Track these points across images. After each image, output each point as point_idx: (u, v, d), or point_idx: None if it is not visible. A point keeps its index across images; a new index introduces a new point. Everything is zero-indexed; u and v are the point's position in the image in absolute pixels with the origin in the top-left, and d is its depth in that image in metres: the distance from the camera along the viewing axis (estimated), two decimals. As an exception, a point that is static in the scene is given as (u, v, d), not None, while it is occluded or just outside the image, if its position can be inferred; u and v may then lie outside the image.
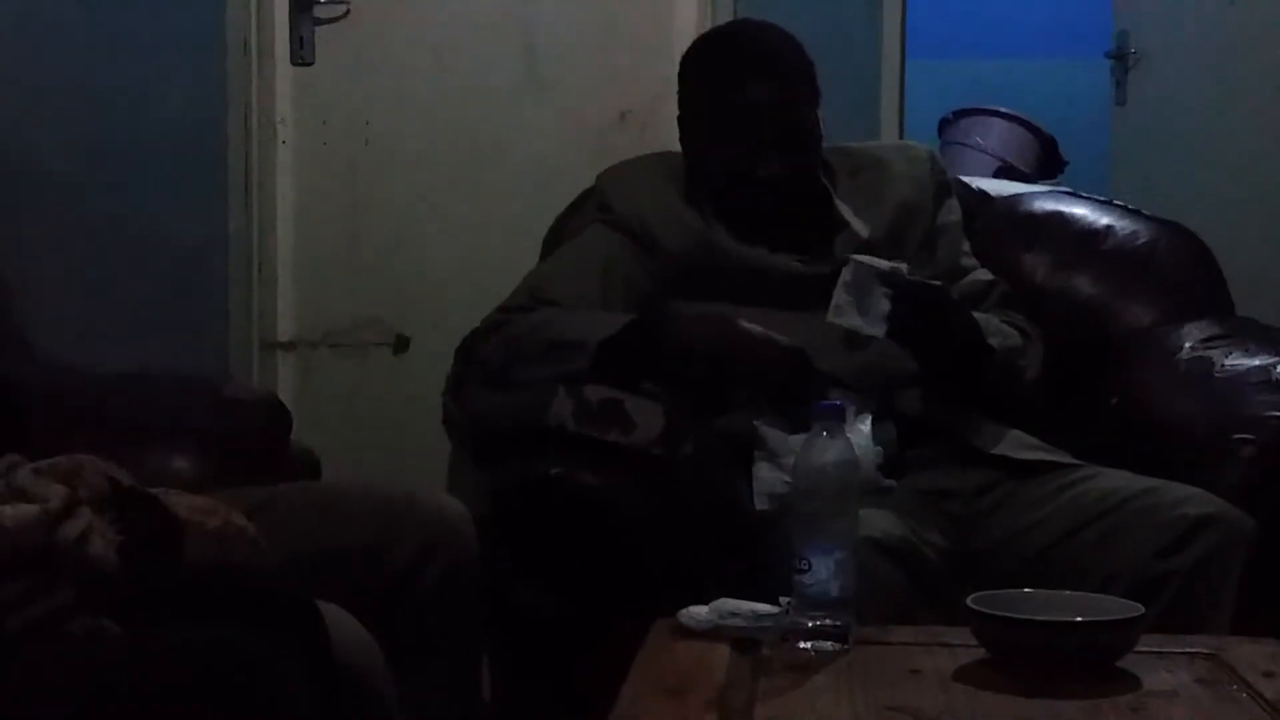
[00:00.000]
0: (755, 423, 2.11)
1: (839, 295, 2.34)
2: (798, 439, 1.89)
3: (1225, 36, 4.00)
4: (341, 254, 3.77)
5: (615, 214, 2.67)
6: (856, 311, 2.33)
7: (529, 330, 2.51)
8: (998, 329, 2.58)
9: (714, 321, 2.44)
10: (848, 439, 1.90)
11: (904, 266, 2.40)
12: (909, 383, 2.47)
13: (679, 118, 2.73)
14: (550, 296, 2.58)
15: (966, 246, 2.78)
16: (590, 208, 2.76)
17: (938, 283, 2.49)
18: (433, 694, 1.95)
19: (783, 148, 2.59)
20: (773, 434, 1.99)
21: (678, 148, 2.78)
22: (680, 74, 2.73)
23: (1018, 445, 2.51)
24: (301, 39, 3.72)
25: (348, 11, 3.72)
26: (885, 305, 2.34)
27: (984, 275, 2.74)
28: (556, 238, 2.85)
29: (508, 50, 3.74)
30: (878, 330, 2.34)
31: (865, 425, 2.15)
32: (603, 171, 2.78)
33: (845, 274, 2.35)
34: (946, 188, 2.81)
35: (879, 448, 2.05)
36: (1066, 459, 2.49)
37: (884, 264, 2.37)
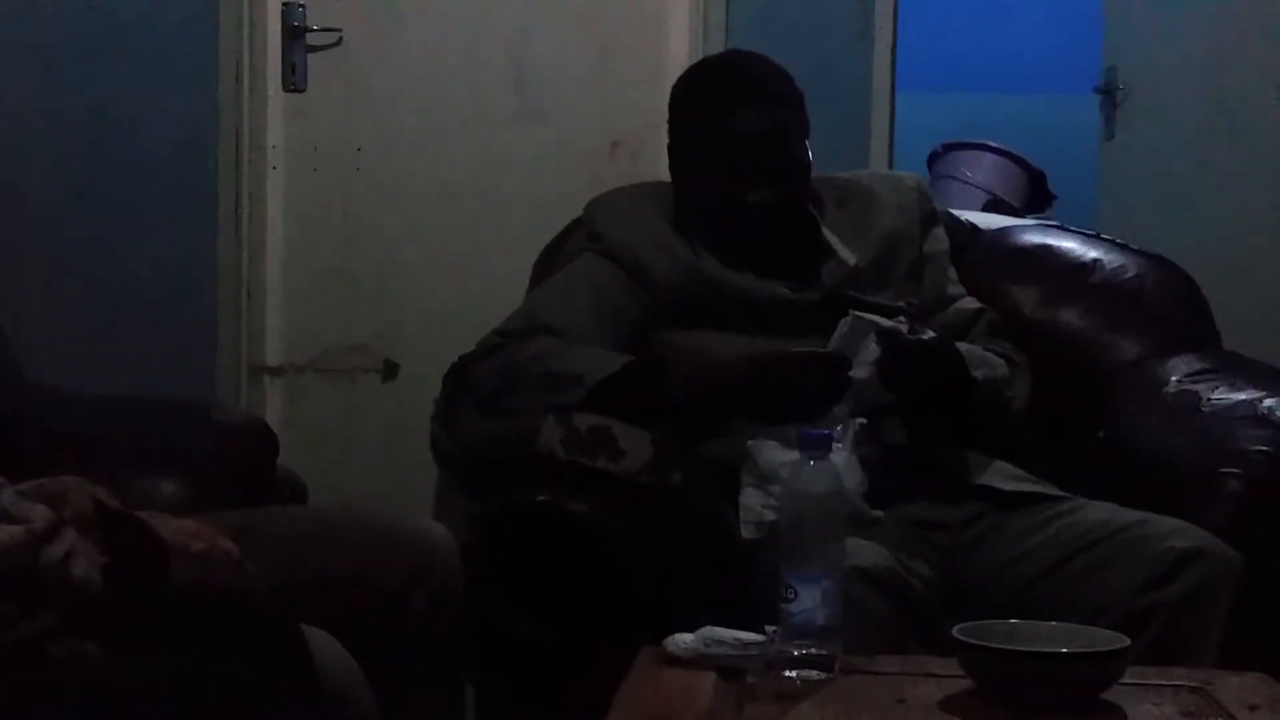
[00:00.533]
0: (748, 445, 2.10)
1: (834, 340, 2.36)
2: (793, 459, 1.88)
3: (1212, 72, 4.01)
4: (331, 280, 3.77)
5: (605, 243, 2.67)
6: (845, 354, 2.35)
7: (526, 359, 2.51)
8: (983, 360, 2.57)
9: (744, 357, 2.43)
10: (835, 468, 1.90)
11: (904, 326, 2.40)
12: (894, 413, 2.46)
13: (669, 146, 2.73)
14: (546, 323, 2.57)
15: (953, 275, 2.78)
16: (580, 236, 2.76)
17: (931, 335, 2.47)
18: (418, 716, 1.94)
19: (772, 176, 2.58)
20: (767, 453, 1.98)
21: (668, 177, 2.79)
22: (671, 103, 2.73)
23: (1004, 477, 2.50)
24: (294, 65, 3.73)
25: (340, 39, 3.73)
26: (875, 351, 2.35)
27: (971, 304, 2.74)
28: (546, 266, 2.86)
29: (499, 79, 3.74)
30: (864, 373, 2.35)
31: (851, 455, 2.14)
32: (592, 200, 2.78)
33: (843, 326, 2.37)
34: (933, 217, 2.81)
35: (864, 476, 2.04)
36: (1053, 491, 2.49)
37: (885, 322, 2.38)
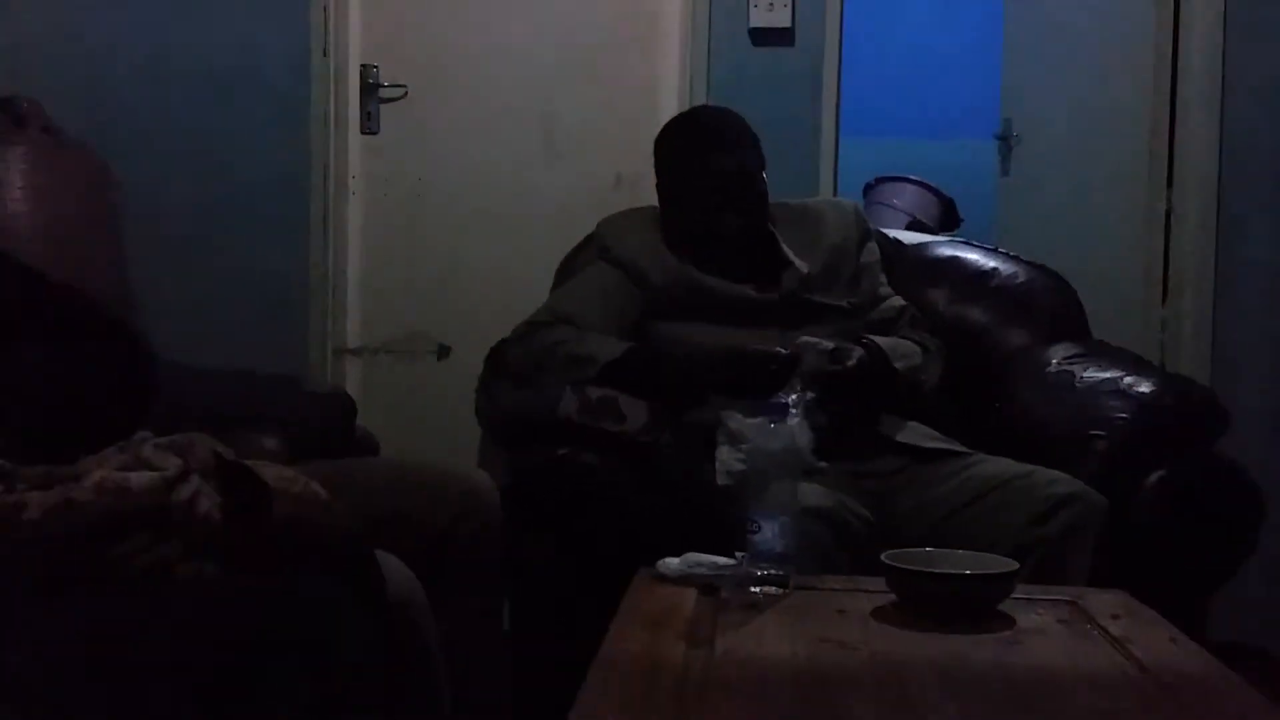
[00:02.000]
0: (721, 413, 2.11)
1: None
2: (757, 423, 1.88)
3: (1088, 122, 4.00)
4: (397, 281, 3.76)
5: (612, 254, 2.67)
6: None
7: (550, 344, 2.52)
8: (904, 352, 2.58)
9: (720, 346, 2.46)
10: (790, 430, 1.90)
11: (853, 352, 2.45)
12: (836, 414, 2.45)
13: (657, 183, 2.72)
14: (566, 315, 2.59)
15: (884, 279, 2.78)
16: (592, 249, 2.76)
17: (859, 354, 2.48)
18: (464, 627, 1.95)
19: (738, 206, 2.60)
20: (736, 420, 1.99)
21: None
22: (656, 148, 2.73)
23: (922, 436, 2.52)
24: (369, 114, 3.71)
25: (406, 93, 3.71)
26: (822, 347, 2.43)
27: (897, 302, 2.75)
28: (565, 271, 2.86)
29: (530, 126, 3.73)
30: (813, 360, 2.41)
31: (802, 420, 2.13)
32: (601, 221, 2.78)
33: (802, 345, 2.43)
34: (868, 234, 2.81)
35: (812, 436, 2.04)
36: (960, 448, 2.50)
37: (828, 344, 2.43)
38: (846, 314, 2.63)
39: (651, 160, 2.74)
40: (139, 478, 1.52)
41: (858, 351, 2.48)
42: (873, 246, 2.80)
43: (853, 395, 2.44)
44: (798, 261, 2.63)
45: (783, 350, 2.41)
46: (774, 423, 1.87)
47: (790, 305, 2.60)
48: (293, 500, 1.61)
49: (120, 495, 1.49)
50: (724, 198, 2.59)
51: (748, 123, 2.68)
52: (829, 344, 2.46)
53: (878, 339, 2.56)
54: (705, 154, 2.63)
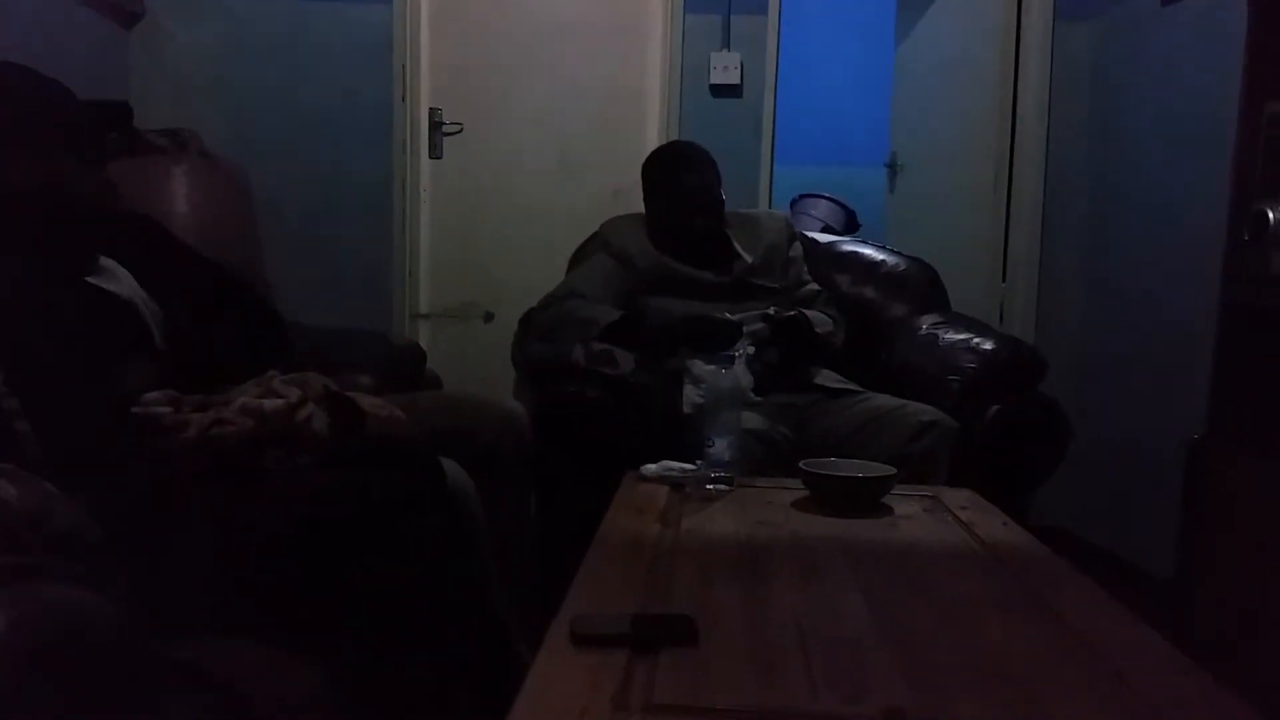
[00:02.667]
0: (687, 362, 2.12)
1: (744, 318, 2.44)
2: (712, 369, 1.89)
3: (950, 153, 4.00)
4: (455, 263, 3.73)
5: (611, 247, 2.66)
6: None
7: (566, 311, 2.52)
8: (822, 321, 2.58)
9: (687, 314, 2.46)
10: (736, 374, 1.91)
11: (779, 313, 2.48)
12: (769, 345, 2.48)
13: (644, 195, 2.72)
14: (578, 291, 2.58)
15: (806, 270, 2.78)
16: (596, 243, 2.75)
17: (792, 313, 2.50)
18: (504, 514, 1.95)
19: (704, 213, 2.61)
20: (698, 366, 1.99)
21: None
22: (643, 170, 2.72)
23: (830, 379, 2.52)
24: (435, 143, 3.68)
25: (461, 129, 3.68)
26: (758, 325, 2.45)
27: (814, 286, 2.74)
28: (575, 259, 2.85)
29: (550, 152, 3.71)
30: (755, 327, 2.44)
31: (744, 367, 2.13)
32: (604, 222, 2.77)
33: (747, 316, 2.44)
34: (794, 235, 2.81)
35: (751, 378, 2.04)
36: (856, 388, 2.50)
37: (770, 311, 2.47)
38: (778, 293, 2.62)
39: (640, 178, 2.73)
40: (270, 403, 1.52)
41: (794, 311, 2.51)
42: (798, 245, 2.80)
43: (784, 348, 2.45)
44: (744, 254, 2.63)
45: (730, 318, 2.41)
46: (724, 369, 1.88)
47: (738, 286, 2.59)
48: (381, 421, 1.61)
49: (257, 416, 1.49)
50: (692, 207, 2.60)
51: (709, 152, 2.68)
52: (769, 312, 2.47)
53: (805, 310, 2.56)
54: (678, 175, 2.63)
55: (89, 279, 1.63)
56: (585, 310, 2.50)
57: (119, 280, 1.68)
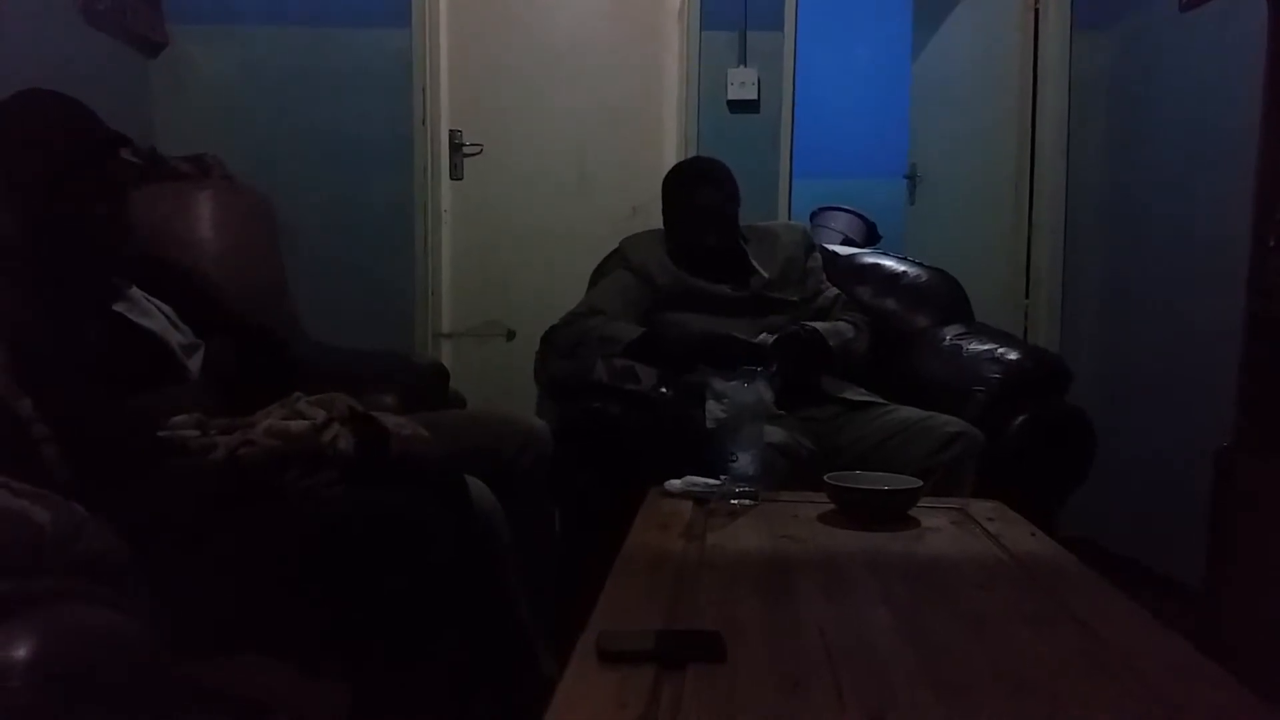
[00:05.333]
0: (709, 377, 2.11)
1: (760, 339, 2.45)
2: (734, 384, 1.88)
3: (970, 164, 3.99)
4: (477, 283, 3.75)
5: (631, 264, 2.67)
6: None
7: (588, 329, 2.53)
8: (837, 332, 2.57)
9: (706, 333, 2.45)
10: (758, 388, 1.90)
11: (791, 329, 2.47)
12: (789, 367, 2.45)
13: (663, 210, 2.72)
14: (599, 308, 2.59)
15: (824, 279, 2.77)
16: (616, 259, 2.76)
17: (807, 327, 2.50)
18: (528, 531, 1.96)
19: (717, 229, 2.61)
20: (720, 381, 1.98)
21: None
22: (663, 186, 2.72)
23: (853, 391, 2.51)
24: (455, 164, 3.71)
25: (481, 149, 3.70)
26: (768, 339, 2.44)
27: (832, 292, 2.75)
28: (595, 276, 2.85)
29: (569, 170, 3.72)
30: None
31: (766, 382, 2.13)
32: (623, 239, 2.78)
33: (765, 337, 2.45)
34: (811, 246, 2.80)
35: (773, 393, 2.04)
36: (880, 400, 2.49)
37: (769, 338, 2.45)
38: (795, 306, 2.63)
39: (658, 195, 2.73)
40: (296, 425, 1.53)
41: (796, 326, 2.50)
42: (817, 255, 2.80)
43: (800, 364, 2.44)
44: (762, 270, 2.63)
45: (744, 337, 2.42)
46: (746, 383, 1.88)
47: (756, 301, 2.59)
48: (405, 440, 1.62)
49: (283, 437, 1.50)
50: (704, 223, 2.60)
51: (727, 167, 2.68)
52: (791, 326, 2.48)
53: (818, 325, 2.55)
54: (693, 191, 2.63)
55: (115, 307, 1.65)
56: (606, 328, 2.51)
57: (143, 308, 1.70)
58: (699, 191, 2.61)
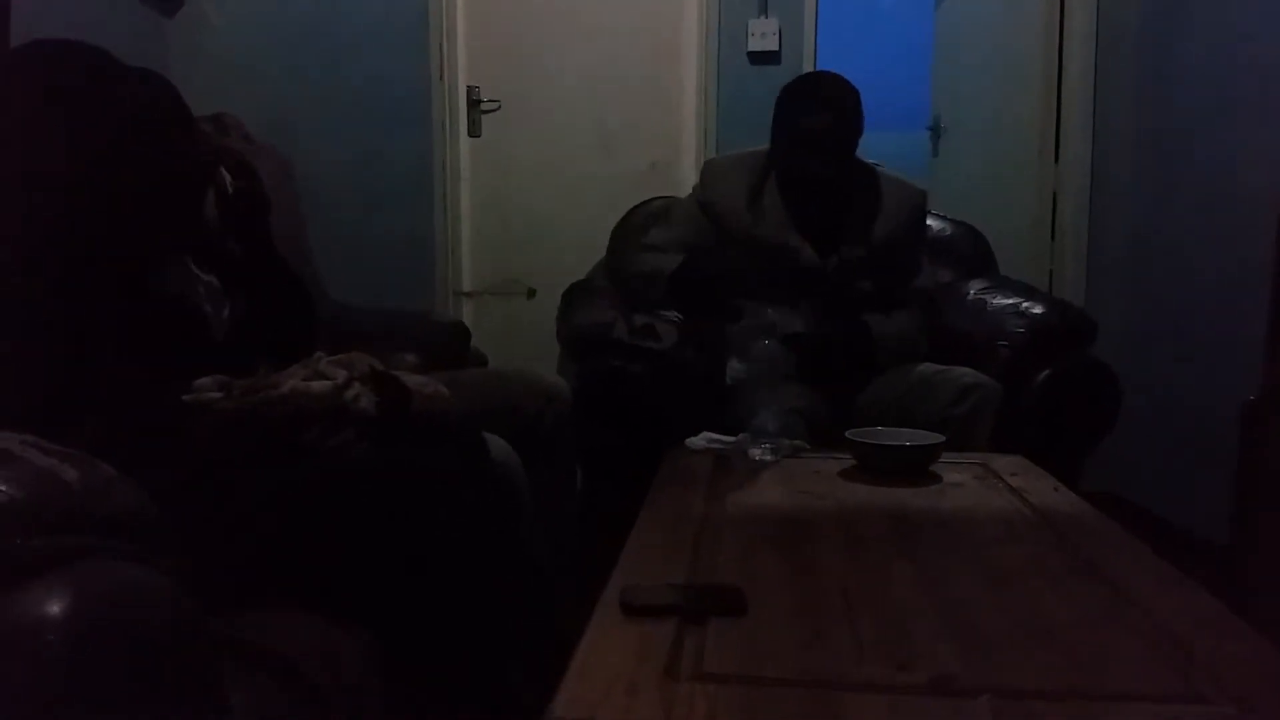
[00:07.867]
0: (729, 333, 2.08)
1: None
2: (755, 342, 1.88)
3: (995, 116, 3.95)
4: (497, 241, 3.75)
5: (704, 195, 2.48)
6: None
7: (630, 264, 2.50)
8: (900, 335, 2.40)
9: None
10: (779, 348, 1.91)
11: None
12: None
13: (771, 133, 2.43)
14: (656, 245, 2.49)
15: (923, 262, 2.53)
16: (643, 213, 2.70)
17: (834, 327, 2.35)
18: (549, 488, 1.96)
19: (820, 158, 2.34)
20: (740, 336, 1.96)
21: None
22: (777, 105, 2.42)
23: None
24: (474, 121, 3.69)
25: (500, 106, 3.69)
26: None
27: (924, 282, 2.53)
28: (616, 236, 2.82)
29: (587, 129, 3.70)
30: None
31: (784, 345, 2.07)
32: (706, 161, 2.62)
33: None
34: (923, 226, 2.52)
35: (792, 357, 2.03)
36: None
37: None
38: (871, 298, 2.40)
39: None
40: (318, 385, 1.54)
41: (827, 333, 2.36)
42: (923, 236, 2.52)
43: (820, 370, 2.30)
44: (853, 248, 2.39)
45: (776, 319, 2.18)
46: (766, 340, 1.88)
47: (831, 282, 2.38)
48: (426, 398, 1.63)
49: (305, 397, 1.51)
50: (808, 150, 2.33)
51: (853, 89, 2.37)
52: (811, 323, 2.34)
53: (875, 327, 2.38)
54: (798, 114, 2.35)
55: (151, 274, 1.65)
56: (651, 261, 2.41)
57: (182, 269, 1.70)
58: (805, 116, 2.33)
